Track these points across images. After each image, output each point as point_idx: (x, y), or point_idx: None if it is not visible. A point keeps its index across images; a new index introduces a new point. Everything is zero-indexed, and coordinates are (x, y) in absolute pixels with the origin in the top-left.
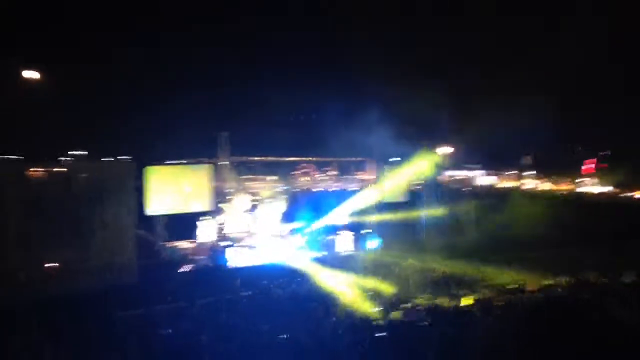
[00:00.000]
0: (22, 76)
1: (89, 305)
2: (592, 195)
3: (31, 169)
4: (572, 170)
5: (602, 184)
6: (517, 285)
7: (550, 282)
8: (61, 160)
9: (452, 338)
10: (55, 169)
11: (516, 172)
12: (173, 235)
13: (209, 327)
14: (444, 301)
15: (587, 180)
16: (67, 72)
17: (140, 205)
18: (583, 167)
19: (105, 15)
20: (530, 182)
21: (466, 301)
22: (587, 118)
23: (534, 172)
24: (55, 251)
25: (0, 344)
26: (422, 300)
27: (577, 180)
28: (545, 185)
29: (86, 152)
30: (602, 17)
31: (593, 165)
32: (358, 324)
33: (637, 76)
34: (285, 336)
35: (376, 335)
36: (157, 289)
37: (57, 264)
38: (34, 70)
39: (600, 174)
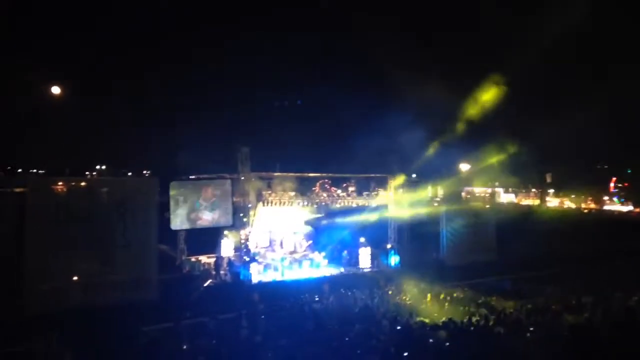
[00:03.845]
0: (46, 93)
1: (111, 318)
2: (618, 213)
3: (56, 183)
4: (592, 188)
5: (625, 202)
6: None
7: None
8: (86, 174)
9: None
10: (79, 183)
11: (536, 190)
12: (195, 249)
13: (229, 342)
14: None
15: (609, 198)
16: (92, 88)
17: (162, 219)
18: (606, 185)
19: (128, 34)
20: (552, 200)
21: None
22: (606, 136)
23: (553, 190)
24: (77, 264)
25: (22, 353)
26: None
27: (600, 199)
28: (569, 203)
29: (109, 167)
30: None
31: (613, 184)
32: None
33: None
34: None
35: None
36: (178, 304)
37: (78, 277)
38: (57, 86)
39: (622, 192)
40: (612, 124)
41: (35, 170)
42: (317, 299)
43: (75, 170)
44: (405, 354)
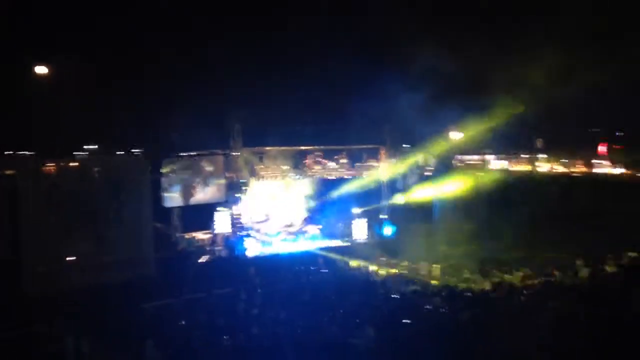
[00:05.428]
0: (35, 72)
1: (107, 297)
2: (609, 176)
3: (47, 164)
4: (585, 153)
5: (617, 165)
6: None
7: None
8: (76, 154)
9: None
10: (70, 164)
11: (527, 155)
12: (189, 226)
13: (226, 317)
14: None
15: (601, 162)
16: (79, 66)
17: (156, 197)
18: (597, 149)
19: (117, 10)
20: (544, 166)
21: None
22: (599, 98)
23: (545, 155)
24: (73, 245)
25: (22, 335)
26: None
27: (591, 162)
28: (560, 168)
29: (100, 146)
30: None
31: (605, 148)
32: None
33: None
34: (299, 326)
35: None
36: (174, 281)
37: (74, 258)
38: (46, 66)
39: (615, 155)
40: (605, 86)
41: (24, 152)
42: (312, 269)
43: (66, 151)
44: (401, 321)
